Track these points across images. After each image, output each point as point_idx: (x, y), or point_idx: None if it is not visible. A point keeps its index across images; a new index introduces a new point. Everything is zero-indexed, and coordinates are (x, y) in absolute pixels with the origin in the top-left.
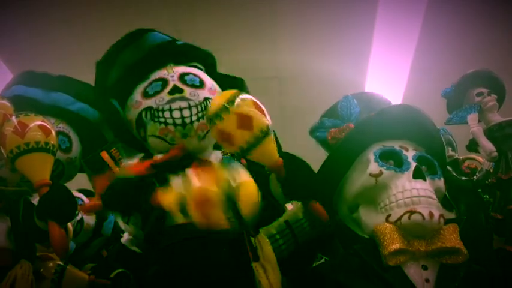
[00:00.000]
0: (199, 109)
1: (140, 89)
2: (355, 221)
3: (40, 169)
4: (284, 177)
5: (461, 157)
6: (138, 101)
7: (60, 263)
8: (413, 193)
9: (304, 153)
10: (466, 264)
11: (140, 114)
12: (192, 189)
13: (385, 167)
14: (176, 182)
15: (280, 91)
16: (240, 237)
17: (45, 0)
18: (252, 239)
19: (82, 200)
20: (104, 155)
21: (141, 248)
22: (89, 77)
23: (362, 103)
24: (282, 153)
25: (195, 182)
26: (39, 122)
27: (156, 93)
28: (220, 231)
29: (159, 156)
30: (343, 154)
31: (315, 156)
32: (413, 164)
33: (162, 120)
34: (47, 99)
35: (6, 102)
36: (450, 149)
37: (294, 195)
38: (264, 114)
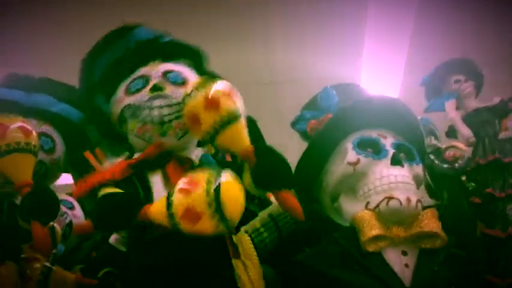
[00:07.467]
0: (180, 108)
1: (124, 85)
2: (336, 210)
3: (21, 169)
4: (253, 166)
5: (443, 146)
6: (121, 97)
7: (47, 264)
8: (390, 179)
9: None
10: (445, 248)
11: (122, 110)
12: (176, 199)
13: (363, 155)
14: (156, 183)
15: (276, 96)
16: (221, 235)
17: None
18: (233, 236)
19: (72, 203)
20: (88, 154)
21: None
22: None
23: (342, 94)
24: (259, 145)
25: (177, 187)
26: (19, 123)
27: (138, 90)
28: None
29: (136, 156)
30: (321, 144)
31: None
32: (391, 151)
33: (141, 118)
34: (29, 101)
35: None
36: (433, 138)
37: (263, 185)
38: (235, 101)
